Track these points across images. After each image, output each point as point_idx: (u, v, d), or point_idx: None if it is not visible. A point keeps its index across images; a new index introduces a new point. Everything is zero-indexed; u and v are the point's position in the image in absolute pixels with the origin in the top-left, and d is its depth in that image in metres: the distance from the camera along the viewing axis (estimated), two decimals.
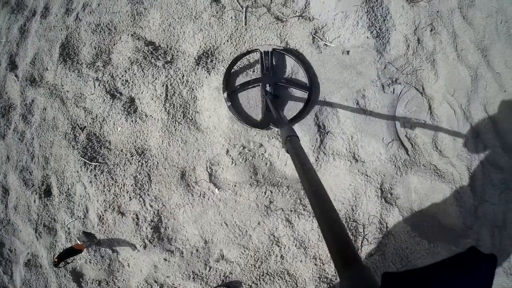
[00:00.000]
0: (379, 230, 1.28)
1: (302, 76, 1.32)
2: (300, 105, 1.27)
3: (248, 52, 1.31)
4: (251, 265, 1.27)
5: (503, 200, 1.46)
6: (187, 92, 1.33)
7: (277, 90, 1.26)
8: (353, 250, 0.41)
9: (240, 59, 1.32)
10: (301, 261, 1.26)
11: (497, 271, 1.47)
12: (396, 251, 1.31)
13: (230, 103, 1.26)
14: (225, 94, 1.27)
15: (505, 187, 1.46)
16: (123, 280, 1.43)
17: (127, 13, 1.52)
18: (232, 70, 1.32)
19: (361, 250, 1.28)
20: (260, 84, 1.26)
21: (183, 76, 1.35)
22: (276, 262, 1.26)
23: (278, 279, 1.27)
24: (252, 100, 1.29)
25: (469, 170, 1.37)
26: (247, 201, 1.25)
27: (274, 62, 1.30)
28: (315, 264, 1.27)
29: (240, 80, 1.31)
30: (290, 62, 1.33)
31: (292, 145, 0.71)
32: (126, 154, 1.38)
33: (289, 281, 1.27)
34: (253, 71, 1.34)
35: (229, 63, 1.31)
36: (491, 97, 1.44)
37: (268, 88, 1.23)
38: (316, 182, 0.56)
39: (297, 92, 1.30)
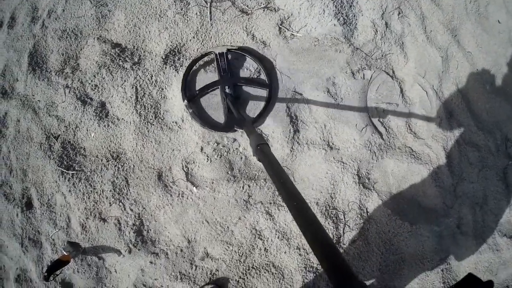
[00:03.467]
0: (359, 216, 1.29)
1: (262, 74, 1.29)
2: (262, 103, 1.25)
3: (202, 56, 1.27)
4: (236, 260, 1.27)
5: (481, 177, 1.48)
6: (157, 92, 1.31)
7: (237, 91, 1.24)
8: (345, 264, 0.39)
9: (195, 64, 1.29)
10: (285, 253, 1.27)
11: (483, 248, 1.50)
12: (378, 235, 1.32)
13: (191, 110, 1.23)
14: (185, 102, 1.23)
15: (483, 165, 1.48)
16: (112, 286, 1.43)
17: (91, 17, 1.49)
18: (190, 75, 1.28)
19: (343, 237, 1.29)
20: (219, 87, 1.23)
21: (152, 76, 1.33)
22: (261, 255, 1.27)
23: (264, 272, 1.28)
24: (215, 103, 1.26)
25: (445, 150, 1.38)
26: (225, 197, 1.25)
27: (231, 63, 1.27)
28: (300, 254, 1.27)
29: (199, 84, 1.27)
30: (249, 61, 1.30)
31: (264, 154, 0.67)
32: (101, 160, 1.37)
33: (275, 273, 1.28)
34: (215, 71, 1.31)
35: (185, 69, 1.27)
36: (463, 77, 1.45)
37: (227, 90, 1.21)
38: (295, 195, 0.53)
39: (259, 91, 1.28)
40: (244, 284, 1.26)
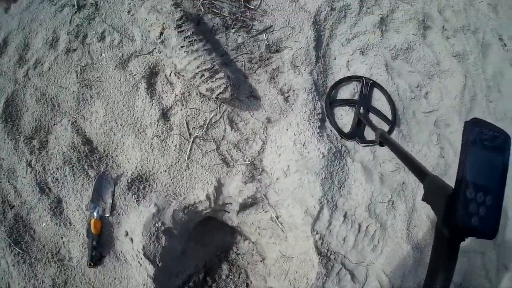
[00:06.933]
0: None
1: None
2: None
3: (353, 77, 1.63)
4: None
5: None
6: (112, 217, 1.23)
7: (366, 114, 1.58)
8: (423, 168, 0.70)
9: (343, 81, 1.64)
10: None
11: None
12: None
13: (327, 112, 1.55)
14: (328, 103, 1.56)
15: None
16: None
17: (73, 94, 1.35)
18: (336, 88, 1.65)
19: None
20: (356, 105, 1.57)
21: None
22: None
23: None
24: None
25: None
26: None
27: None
28: None
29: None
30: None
31: (385, 138, 1.03)
32: (47, 253, 1.33)
33: None
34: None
35: (336, 81, 1.63)
36: None
37: (361, 111, 1.55)
38: (413, 162, 0.80)
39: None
40: None
